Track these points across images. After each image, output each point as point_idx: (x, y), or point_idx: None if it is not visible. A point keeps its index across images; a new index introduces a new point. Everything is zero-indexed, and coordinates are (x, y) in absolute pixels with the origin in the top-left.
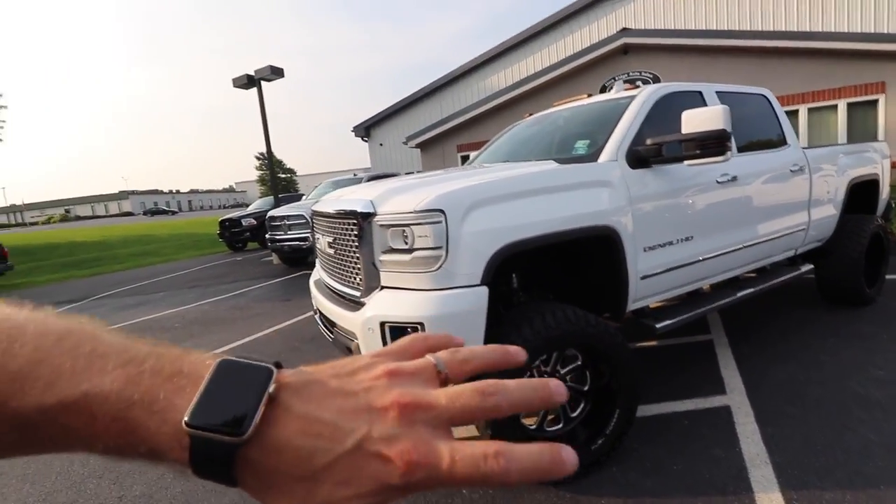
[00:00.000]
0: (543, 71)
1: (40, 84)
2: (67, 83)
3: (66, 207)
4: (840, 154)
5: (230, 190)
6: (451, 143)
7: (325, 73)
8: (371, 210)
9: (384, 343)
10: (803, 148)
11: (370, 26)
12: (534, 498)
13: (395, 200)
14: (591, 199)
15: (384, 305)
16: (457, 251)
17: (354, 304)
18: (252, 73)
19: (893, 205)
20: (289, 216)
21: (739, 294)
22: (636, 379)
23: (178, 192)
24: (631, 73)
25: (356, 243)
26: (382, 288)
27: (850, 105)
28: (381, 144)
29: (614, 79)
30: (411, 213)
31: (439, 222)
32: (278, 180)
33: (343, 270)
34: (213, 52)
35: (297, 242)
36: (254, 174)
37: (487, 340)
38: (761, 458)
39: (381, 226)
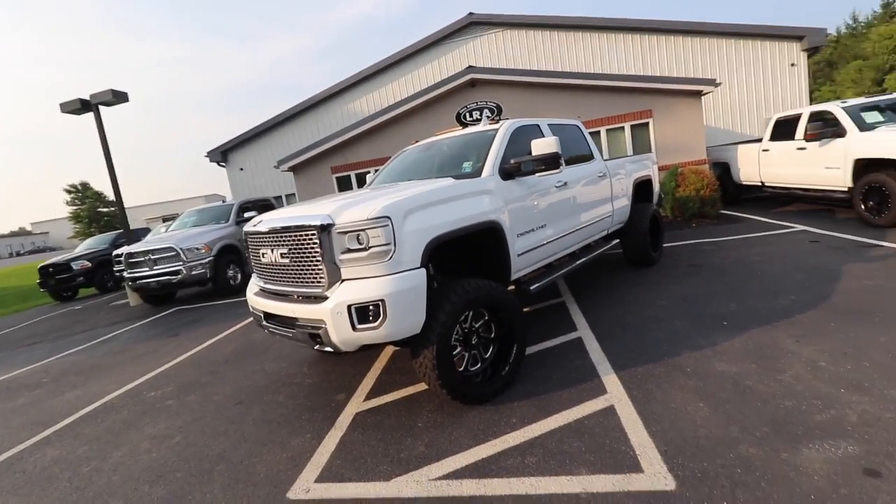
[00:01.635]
0: (406, 99)
1: None
2: None
3: None
4: (627, 163)
5: (23, 233)
6: (324, 165)
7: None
8: (330, 222)
9: (351, 322)
10: (605, 160)
11: (199, 43)
12: (469, 415)
13: (348, 213)
14: (481, 203)
15: (348, 293)
16: (402, 245)
17: (316, 299)
18: (87, 98)
19: (662, 196)
20: (154, 250)
21: (578, 262)
22: (525, 323)
23: None
24: (479, 103)
25: (317, 250)
26: (343, 281)
27: (632, 126)
28: (241, 169)
29: (466, 107)
30: (365, 220)
31: (387, 226)
32: (101, 215)
33: (301, 275)
34: None
35: (168, 277)
36: (57, 212)
37: (428, 306)
38: (602, 359)
39: (340, 233)
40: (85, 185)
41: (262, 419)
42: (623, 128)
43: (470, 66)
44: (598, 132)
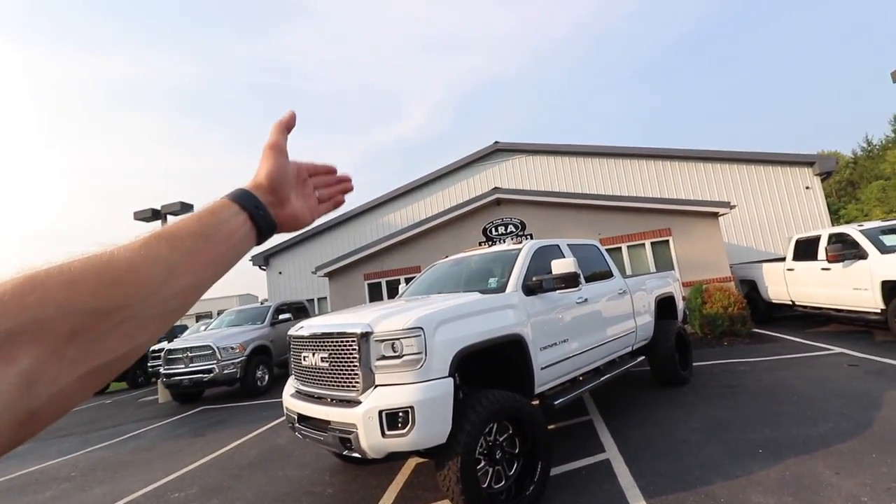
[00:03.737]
0: (437, 215)
1: None
2: None
3: None
4: (647, 280)
5: None
6: (357, 272)
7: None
8: (369, 330)
9: (381, 427)
10: (625, 277)
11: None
12: None
13: (386, 322)
14: (506, 317)
15: (381, 398)
16: (432, 354)
17: (350, 403)
18: (158, 208)
19: (687, 312)
20: (192, 347)
21: (602, 378)
22: (550, 440)
23: None
24: (504, 219)
25: (356, 356)
26: (376, 386)
27: (652, 243)
28: (280, 273)
29: (493, 223)
30: (401, 330)
31: (419, 336)
32: None
33: (338, 378)
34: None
35: (200, 375)
36: None
37: (454, 416)
38: (632, 484)
39: (377, 340)
40: None
41: None
42: (644, 245)
43: (496, 188)
44: (620, 248)
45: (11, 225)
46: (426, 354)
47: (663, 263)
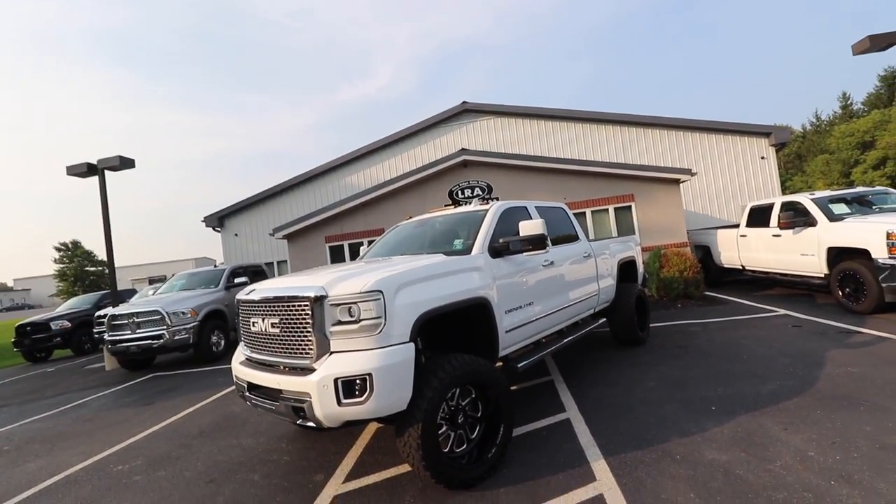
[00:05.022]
0: (402, 176)
1: None
2: None
3: None
4: (611, 244)
5: (4, 288)
6: (319, 234)
7: (143, 154)
8: (323, 294)
9: (337, 396)
10: (590, 241)
11: (206, 114)
12: (454, 501)
13: (342, 285)
14: (470, 280)
15: (335, 365)
16: (392, 319)
17: (303, 371)
18: (94, 162)
19: (647, 276)
20: (139, 313)
21: (565, 340)
22: (512, 403)
23: None
24: (470, 182)
25: (308, 320)
26: (332, 353)
27: (615, 209)
28: (236, 235)
29: (459, 185)
30: (358, 293)
31: (379, 299)
32: (88, 273)
33: (289, 345)
34: None
35: (149, 341)
36: (40, 268)
37: (415, 382)
38: (591, 443)
39: (332, 304)
40: (76, 244)
41: (233, 500)
42: (607, 210)
43: (463, 149)
44: (584, 213)
45: None
46: (385, 319)
47: (625, 228)
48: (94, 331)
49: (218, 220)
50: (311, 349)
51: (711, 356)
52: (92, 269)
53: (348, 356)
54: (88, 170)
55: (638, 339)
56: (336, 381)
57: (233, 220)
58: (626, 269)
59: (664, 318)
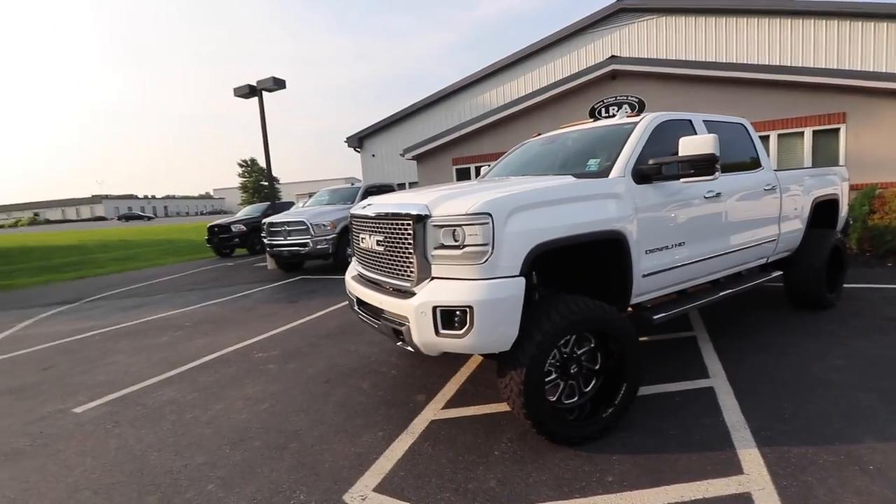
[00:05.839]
0: (537, 92)
1: (8, 82)
2: (39, 82)
3: (35, 211)
4: (806, 176)
5: (207, 196)
6: (446, 156)
7: (307, 82)
8: (426, 213)
9: (435, 325)
10: (775, 170)
11: (356, 38)
12: (555, 456)
13: (447, 205)
14: (604, 209)
15: (436, 292)
16: (500, 247)
17: (404, 294)
18: (254, 84)
19: (850, 222)
20: (289, 222)
21: (721, 294)
22: (640, 359)
23: (153, 197)
24: (618, 97)
25: (410, 241)
26: (433, 279)
27: (815, 132)
28: (373, 155)
29: (603, 101)
30: (463, 215)
31: (487, 223)
32: (263, 187)
33: (392, 265)
34: (192, 58)
35: (297, 248)
36: (233, 181)
37: (523, 321)
38: (741, 424)
39: (435, 226)
40: (253, 161)
41: (342, 403)
42: (802, 133)
43: (613, 56)
44: (768, 136)
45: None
46: (493, 247)
47: (826, 160)
48: (261, 235)
49: (358, 141)
50: (412, 272)
51: None
52: (265, 183)
53: (450, 284)
54: (250, 91)
55: (823, 302)
56: (435, 309)
57: (371, 141)
58: (823, 210)
59: (864, 279)
